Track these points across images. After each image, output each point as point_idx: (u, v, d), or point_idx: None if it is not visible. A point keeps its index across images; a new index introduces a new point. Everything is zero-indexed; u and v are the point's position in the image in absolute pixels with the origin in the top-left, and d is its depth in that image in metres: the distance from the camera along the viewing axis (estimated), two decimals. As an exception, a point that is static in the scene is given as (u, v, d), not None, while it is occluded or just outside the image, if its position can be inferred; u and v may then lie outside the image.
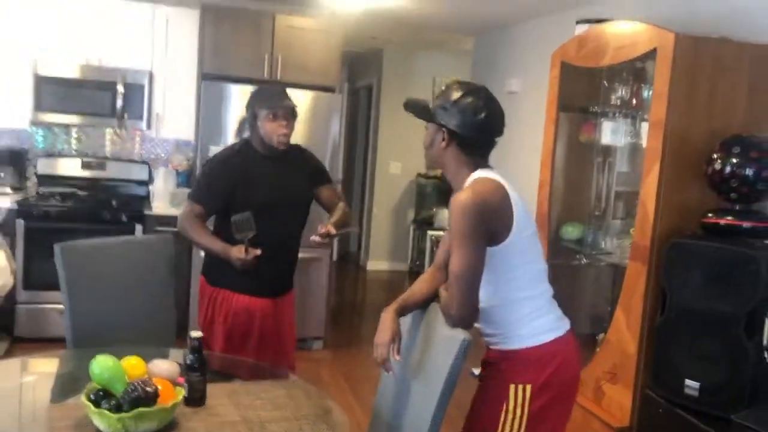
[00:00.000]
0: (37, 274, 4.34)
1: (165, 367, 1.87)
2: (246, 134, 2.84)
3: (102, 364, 1.72)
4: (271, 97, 2.75)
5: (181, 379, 1.90)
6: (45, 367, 2.49)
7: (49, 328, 4.36)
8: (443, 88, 1.94)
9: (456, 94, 1.88)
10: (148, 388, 1.69)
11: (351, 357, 4.87)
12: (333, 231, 2.66)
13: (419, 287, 2.11)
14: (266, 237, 2.61)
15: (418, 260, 7.64)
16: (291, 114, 2.73)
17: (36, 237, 4.33)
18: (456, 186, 1.93)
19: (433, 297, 2.07)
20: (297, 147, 2.92)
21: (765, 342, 2.36)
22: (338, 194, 3.04)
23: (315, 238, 2.66)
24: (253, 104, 2.75)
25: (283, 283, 2.88)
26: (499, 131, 1.92)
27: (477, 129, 1.88)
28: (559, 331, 1.94)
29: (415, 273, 7.63)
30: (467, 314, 1.81)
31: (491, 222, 1.80)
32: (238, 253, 2.53)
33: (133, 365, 1.80)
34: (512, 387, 1.88)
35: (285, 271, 2.88)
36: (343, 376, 4.44)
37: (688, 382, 2.61)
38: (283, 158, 2.79)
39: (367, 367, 4.63)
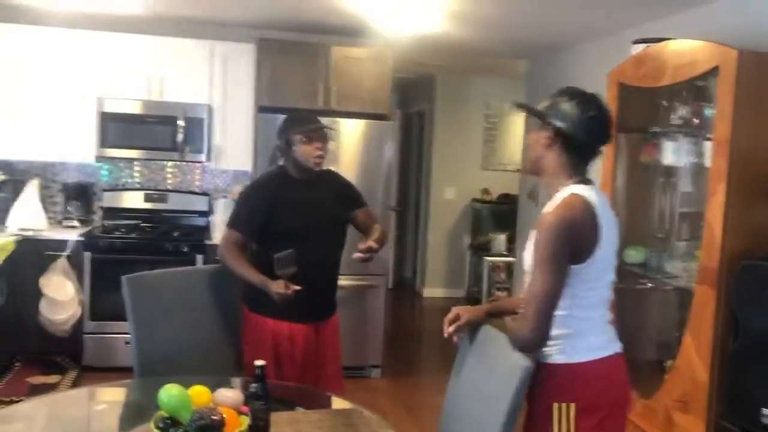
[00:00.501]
0: (103, 305, 4.47)
1: (230, 396, 1.89)
2: (280, 162, 2.89)
3: (170, 393, 1.76)
4: (303, 122, 2.82)
5: (245, 408, 1.92)
6: (113, 396, 2.55)
7: (115, 357, 4.48)
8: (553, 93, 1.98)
9: (566, 96, 1.91)
10: (214, 417, 1.72)
11: (410, 385, 4.84)
12: (374, 245, 2.74)
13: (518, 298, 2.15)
14: (304, 260, 2.65)
15: (475, 286, 7.55)
16: (325, 136, 2.81)
17: (102, 268, 4.48)
18: (549, 191, 1.94)
19: None
20: (329, 171, 3.01)
21: None
22: (373, 216, 3.10)
23: (357, 255, 2.73)
24: (286, 130, 2.81)
25: (324, 307, 2.90)
26: (605, 137, 1.92)
27: (583, 127, 1.87)
28: (607, 351, 1.92)
29: (472, 299, 7.55)
30: (540, 337, 1.80)
31: (576, 244, 1.80)
32: (278, 288, 2.58)
33: (199, 393, 1.83)
34: (555, 406, 1.85)
35: (326, 295, 2.90)
36: (403, 405, 4.40)
37: (765, 411, 2.49)
38: (317, 182, 2.86)
39: (427, 395, 4.59)
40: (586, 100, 1.89)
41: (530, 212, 5.84)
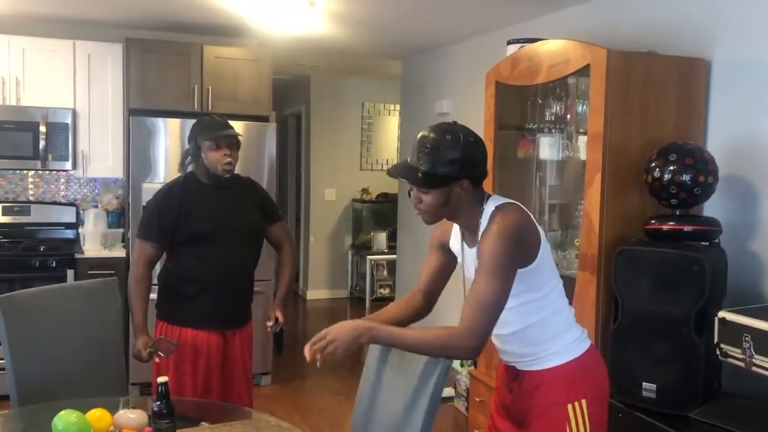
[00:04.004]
0: (-40, 330, 4.06)
1: (132, 417, 1.77)
2: (190, 167, 2.81)
3: (66, 420, 1.62)
4: (213, 128, 2.76)
5: (149, 429, 1.81)
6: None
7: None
8: (425, 144, 1.80)
9: (451, 143, 1.78)
10: (118, 441, 1.60)
11: (301, 390, 4.80)
12: (281, 319, 2.82)
13: (391, 309, 2.09)
14: (214, 266, 2.69)
15: (358, 285, 7.61)
16: (234, 143, 2.77)
17: (-43, 290, 4.07)
18: (468, 224, 1.89)
19: (406, 321, 2.04)
20: (248, 179, 2.97)
21: (715, 339, 2.45)
22: (287, 232, 3.10)
23: (269, 327, 2.81)
24: (195, 136, 2.76)
25: (233, 315, 2.82)
26: (487, 154, 1.91)
27: (485, 160, 1.86)
28: (587, 341, 1.99)
29: (356, 299, 7.60)
30: (482, 345, 1.75)
31: (525, 247, 1.80)
32: (141, 347, 2.61)
33: (98, 418, 1.71)
34: (570, 407, 1.87)
35: (235, 303, 2.83)
36: (296, 410, 4.36)
37: (645, 384, 2.67)
38: (231, 188, 2.82)
39: (318, 397, 4.58)
40: (468, 133, 1.81)
41: (410, 209, 5.94)
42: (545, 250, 1.87)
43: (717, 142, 2.98)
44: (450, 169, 1.77)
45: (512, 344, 1.94)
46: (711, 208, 2.90)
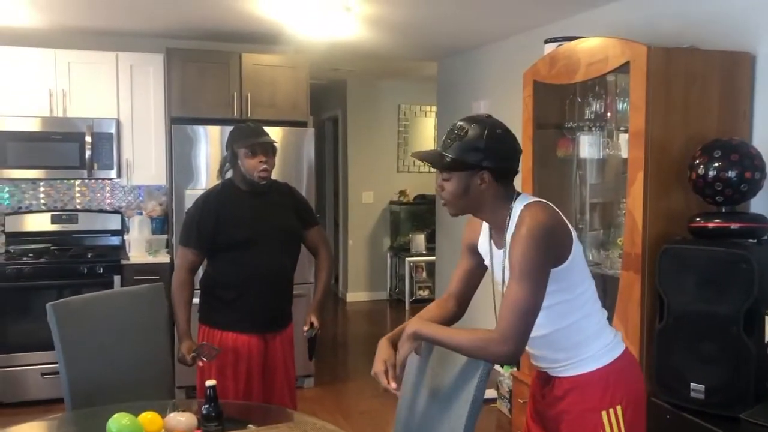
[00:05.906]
0: (13, 336, 4.21)
1: (182, 420, 1.81)
2: (228, 174, 2.86)
3: (119, 422, 1.67)
4: (248, 135, 2.80)
5: (198, 431, 1.85)
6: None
7: (28, 390, 4.23)
8: (453, 130, 1.82)
9: (476, 131, 1.78)
10: (170, 444, 1.64)
11: (343, 392, 4.82)
12: (316, 324, 2.85)
13: (428, 312, 2.07)
14: (253, 271, 2.73)
15: (397, 287, 7.62)
16: (270, 149, 2.79)
17: (10, 297, 4.21)
18: (495, 222, 1.87)
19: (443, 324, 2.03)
20: (286, 185, 3.00)
21: (766, 339, 2.40)
22: (324, 236, 3.12)
23: (305, 332, 2.84)
24: (231, 143, 2.81)
25: (273, 319, 2.86)
26: (520, 152, 1.88)
27: (512, 156, 1.83)
28: (622, 345, 1.94)
29: (395, 301, 7.62)
30: (521, 349, 1.73)
31: (557, 246, 1.77)
32: (186, 351, 2.65)
33: (149, 420, 1.75)
34: (604, 414, 1.83)
35: (275, 307, 2.87)
36: (339, 412, 4.38)
37: (693, 385, 2.63)
38: (268, 194, 2.85)
39: (360, 400, 4.59)
40: (496, 127, 1.80)
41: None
42: (577, 249, 1.82)
43: (763, 137, 2.91)
44: (470, 156, 1.77)
45: (543, 349, 1.91)
46: (759, 204, 2.83)
